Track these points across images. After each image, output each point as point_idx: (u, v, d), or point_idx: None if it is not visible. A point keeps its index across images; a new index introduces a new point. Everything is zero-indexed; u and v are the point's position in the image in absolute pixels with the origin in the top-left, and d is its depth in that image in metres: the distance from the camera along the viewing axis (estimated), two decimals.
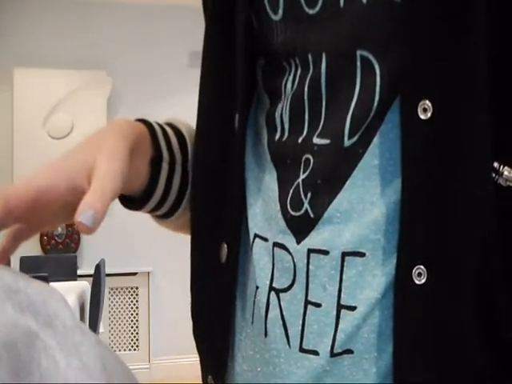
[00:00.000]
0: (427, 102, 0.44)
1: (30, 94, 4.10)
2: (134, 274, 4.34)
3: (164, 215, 0.62)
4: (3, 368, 0.29)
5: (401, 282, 0.45)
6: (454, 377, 0.44)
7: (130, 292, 4.37)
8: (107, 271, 3.66)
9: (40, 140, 4.09)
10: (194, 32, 4.28)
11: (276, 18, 0.53)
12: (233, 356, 0.55)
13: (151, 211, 0.61)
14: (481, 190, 0.44)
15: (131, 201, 0.59)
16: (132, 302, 4.38)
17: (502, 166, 0.44)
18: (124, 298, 4.37)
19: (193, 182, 0.61)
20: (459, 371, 0.44)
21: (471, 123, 0.44)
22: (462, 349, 0.44)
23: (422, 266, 0.44)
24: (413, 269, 0.44)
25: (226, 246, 0.55)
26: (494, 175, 0.44)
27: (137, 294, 4.37)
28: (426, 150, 0.44)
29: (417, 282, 0.44)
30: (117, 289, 4.33)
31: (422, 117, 0.44)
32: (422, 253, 0.44)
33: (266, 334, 0.51)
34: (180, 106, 3.53)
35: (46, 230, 0.54)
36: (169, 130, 0.61)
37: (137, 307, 4.38)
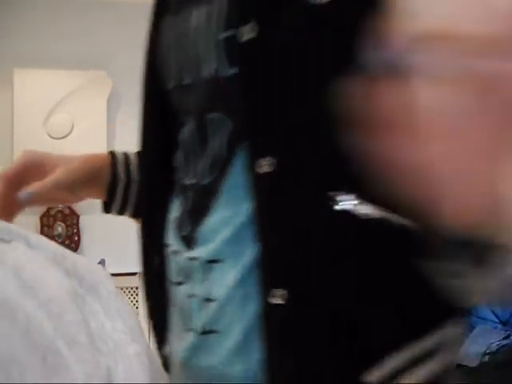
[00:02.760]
0: (267, 158, 0.58)
1: (30, 94, 4.10)
2: (134, 274, 4.33)
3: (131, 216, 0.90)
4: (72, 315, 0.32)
5: (262, 305, 0.60)
6: None
7: (130, 292, 4.38)
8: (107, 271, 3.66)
9: (40, 140, 4.09)
10: None
11: (169, 86, 0.73)
12: (169, 333, 0.75)
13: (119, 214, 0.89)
14: (315, 219, 0.58)
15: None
16: (132, 302, 4.38)
17: (335, 195, 0.57)
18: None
19: (135, 203, 0.87)
20: None
21: (311, 169, 0.58)
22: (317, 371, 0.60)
23: (280, 289, 0.59)
24: (270, 290, 0.59)
25: (156, 256, 0.77)
26: (330, 203, 0.57)
27: (137, 294, 4.38)
28: (266, 196, 0.60)
29: (273, 301, 0.59)
30: (117, 289, 4.33)
31: (260, 171, 0.58)
32: (281, 275, 0.60)
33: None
34: None
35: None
36: (132, 156, 0.87)
37: (137, 307, 4.38)
